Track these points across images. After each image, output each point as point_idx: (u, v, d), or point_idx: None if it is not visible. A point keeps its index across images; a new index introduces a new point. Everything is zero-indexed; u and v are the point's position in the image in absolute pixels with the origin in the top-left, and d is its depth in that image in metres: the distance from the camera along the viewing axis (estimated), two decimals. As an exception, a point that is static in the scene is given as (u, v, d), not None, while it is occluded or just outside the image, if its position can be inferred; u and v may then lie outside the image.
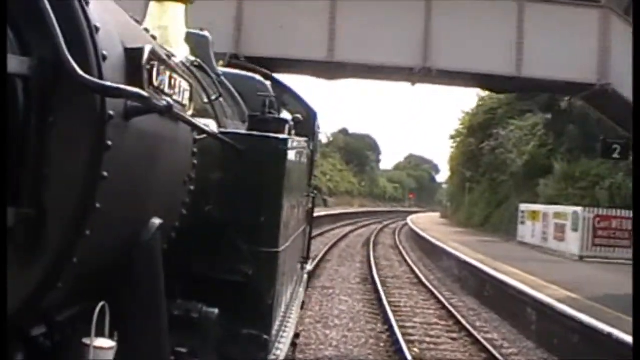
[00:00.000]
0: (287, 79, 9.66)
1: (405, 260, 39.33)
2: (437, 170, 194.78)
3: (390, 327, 19.58)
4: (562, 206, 38.42)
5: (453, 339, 19.22)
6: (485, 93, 65.50)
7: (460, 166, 74.95)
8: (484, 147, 57.94)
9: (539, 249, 38.26)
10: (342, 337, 18.57)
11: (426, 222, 72.55)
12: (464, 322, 20.87)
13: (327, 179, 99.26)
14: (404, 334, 18.57)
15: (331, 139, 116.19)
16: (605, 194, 38.51)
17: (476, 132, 64.46)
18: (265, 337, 5.97)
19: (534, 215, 41.09)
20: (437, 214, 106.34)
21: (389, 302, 23.19)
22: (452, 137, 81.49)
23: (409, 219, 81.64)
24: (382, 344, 18.27)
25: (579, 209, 35.04)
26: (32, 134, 3.12)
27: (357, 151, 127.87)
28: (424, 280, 30.43)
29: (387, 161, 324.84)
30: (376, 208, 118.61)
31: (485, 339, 18.78)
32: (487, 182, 62.39)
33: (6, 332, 3.20)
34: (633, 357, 6.40)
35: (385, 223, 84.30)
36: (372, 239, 53.97)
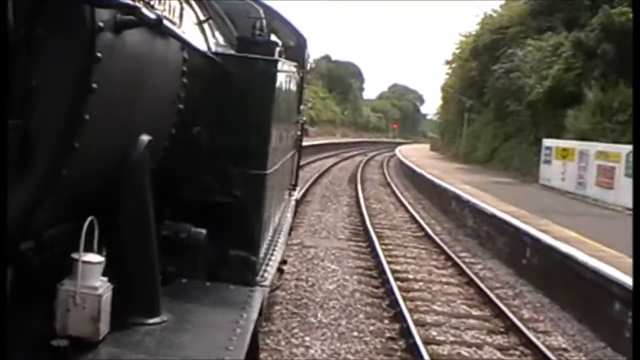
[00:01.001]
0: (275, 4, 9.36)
1: (402, 203, 30.95)
2: (422, 101, 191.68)
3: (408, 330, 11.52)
4: (610, 144, 29.15)
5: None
6: (491, 9, 59.40)
7: (457, 94, 65.44)
8: (495, 69, 47.30)
9: (572, 196, 29.53)
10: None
11: (417, 155, 63.74)
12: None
13: (308, 106, 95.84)
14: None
15: (313, 66, 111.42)
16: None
17: (480, 55, 55.39)
18: (253, 258, 6.02)
19: (564, 153, 32.14)
20: (424, 146, 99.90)
21: (393, 272, 15.59)
22: (448, 63, 74.35)
23: (397, 151, 75.24)
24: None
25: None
26: (20, 46, 3.08)
27: (340, 78, 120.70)
28: (431, 234, 22.07)
29: (371, 90, 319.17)
30: (359, 138, 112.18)
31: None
32: (493, 111, 52.87)
33: (7, 325, 3.22)
34: (633, 357, 6.46)
35: (371, 155, 77.90)
36: (359, 174, 46.12)
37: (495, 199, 25.31)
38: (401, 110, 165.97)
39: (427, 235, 22.07)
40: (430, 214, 28.77)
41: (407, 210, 28.35)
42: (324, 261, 17.08)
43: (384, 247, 19.06)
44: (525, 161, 40.97)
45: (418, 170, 41.85)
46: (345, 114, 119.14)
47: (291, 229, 12.81)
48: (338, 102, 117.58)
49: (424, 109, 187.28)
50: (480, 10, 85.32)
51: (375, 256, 17.72)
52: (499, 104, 49.34)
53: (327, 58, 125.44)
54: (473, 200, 24.57)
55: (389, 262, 16.70)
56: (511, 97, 45.15)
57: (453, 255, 18.52)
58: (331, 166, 52.82)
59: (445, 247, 19.73)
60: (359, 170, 49.25)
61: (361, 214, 25.55)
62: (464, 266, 17.23)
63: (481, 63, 54.70)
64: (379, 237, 20.42)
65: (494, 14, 57.69)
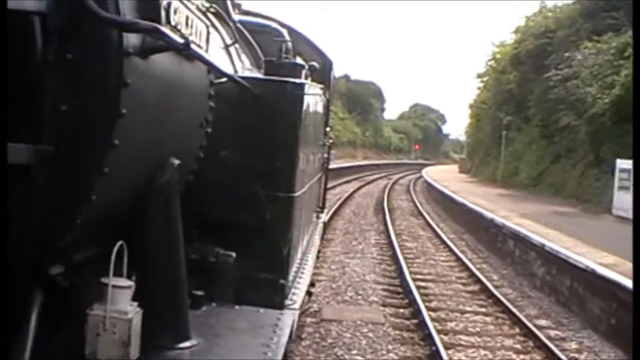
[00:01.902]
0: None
1: (441, 240, 25.40)
2: (444, 120, 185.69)
3: None
4: None
5: None
6: (534, 9, 52.14)
7: (492, 110, 58.94)
8: (548, 77, 38.79)
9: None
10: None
11: (448, 179, 56.57)
12: None
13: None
14: None
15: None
16: None
17: (520, 65, 48.80)
18: (282, 281, 5.99)
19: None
20: (450, 167, 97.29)
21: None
22: (480, 76, 68.23)
23: (423, 173, 70.48)
24: None
25: None
26: (50, 71, 3.12)
27: (361, 98, 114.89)
28: (490, 288, 16.94)
29: (392, 110, 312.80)
30: (381, 160, 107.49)
31: None
32: (538, 128, 45.40)
33: (5, 329, 3.23)
34: (633, 357, 6.36)
35: (395, 178, 72.16)
36: (385, 201, 40.64)
37: (571, 238, 19.45)
38: (423, 131, 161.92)
39: (485, 289, 16.76)
40: (480, 255, 23.24)
41: (451, 251, 22.82)
42: (351, 351, 11.48)
43: (432, 313, 13.89)
44: (584, 186, 34.50)
45: (456, 197, 34.96)
46: (366, 135, 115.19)
47: (319, 252, 12.77)
48: (358, 122, 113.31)
49: (446, 129, 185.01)
50: (518, 16, 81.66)
51: (427, 337, 12.16)
52: (545, 119, 43.28)
53: (346, 77, 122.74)
54: (550, 245, 18.02)
55: (446, 346, 11.62)
56: (565, 110, 37.33)
57: (531, 326, 13.16)
58: (353, 192, 47.18)
59: (516, 311, 14.41)
60: (385, 197, 44.20)
61: (395, 259, 20.33)
62: (551, 345, 12.03)
63: (521, 73, 48.74)
64: (425, 298, 15.21)
65: (538, 18, 50.56)
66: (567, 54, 37.76)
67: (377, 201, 42.09)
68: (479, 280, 17.84)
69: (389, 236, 25.24)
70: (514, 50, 51.49)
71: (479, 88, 70.83)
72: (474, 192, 39.73)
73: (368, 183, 61.11)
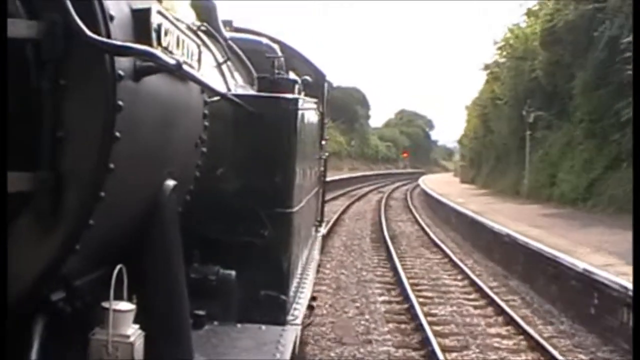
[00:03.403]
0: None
1: (494, 303, 16.62)
2: (432, 126, 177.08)
3: None
4: None
5: None
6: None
7: (508, 106, 47.96)
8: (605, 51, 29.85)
9: None
10: None
11: (455, 192, 48.01)
12: None
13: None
14: None
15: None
16: None
17: (554, 44, 37.64)
18: (283, 297, 5.99)
19: None
20: (445, 176, 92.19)
21: None
22: (487, 67, 58.05)
23: (422, 184, 63.95)
24: None
25: None
26: (45, 97, 3.13)
27: (345, 106, 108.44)
28: None
29: (377, 118, 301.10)
30: (369, 171, 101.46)
31: None
32: (585, 123, 34.29)
33: (5, 329, 3.23)
34: (633, 357, 6.34)
35: (387, 191, 65.16)
36: (384, 225, 32.78)
37: None
38: (410, 138, 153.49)
39: None
40: (567, 329, 14.80)
41: (516, 325, 14.34)
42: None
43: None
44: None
45: (494, 226, 24.88)
46: (351, 145, 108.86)
47: (319, 266, 12.77)
48: (343, 131, 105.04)
49: (434, 135, 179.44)
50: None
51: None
52: (594, 112, 32.62)
53: (328, 84, 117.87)
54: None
55: None
56: (629, 98, 25.18)
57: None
58: (342, 213, 38.96)
59: None
60: (382, 219, 36.18)
61: (409, 302, 15.70)
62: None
63: (554, 56, 38.06)
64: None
65: None
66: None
67: (373, 225, 34.58)
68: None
69: (403, 290, 17.36)
70: (546, 24, 38.86)
71: (487, 81, 59.78)
72: (502, 212, 30.73)
73: (358, 199, 53.57)
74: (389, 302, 16.43)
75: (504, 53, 53.05)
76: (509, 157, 51.43)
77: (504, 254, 22.59)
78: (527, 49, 45.24)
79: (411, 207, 47.72)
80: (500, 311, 15.61)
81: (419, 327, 13.67)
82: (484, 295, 17.53)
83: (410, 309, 15.37)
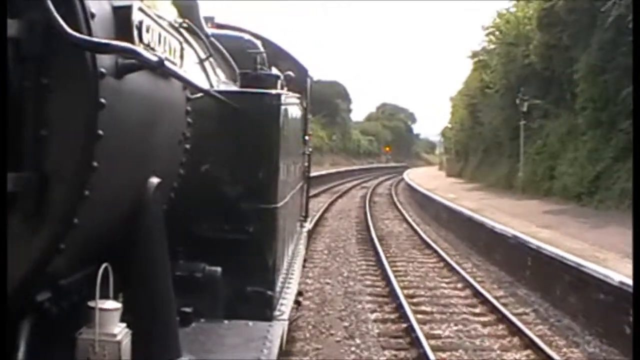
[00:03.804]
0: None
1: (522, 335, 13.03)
2: (414, 120, 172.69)
3: None
4: None
5: None
6: None
7: (500, 94, 44.92)
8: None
9: None
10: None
11: (442, 186, 45.99)
12: None
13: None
14: None
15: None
16: None
17: (550, 26, 34.88)
18: (270, 293, 5.99)
19: None
20: (430, 170, 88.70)
21: None
22: (475, 55, 55.20)
23: (407, 179, 60.99)
24: None
25: None
26: (27, 97, 3.11)
27: (326, 100, 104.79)
28: None
29: (358, 112, 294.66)
30: (352, 166, 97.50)
31: None
32: (589, 112, 31.00)
33: (5, 330, 3.21)
34: (633, 357, 6.36)
35: (371, 186, 62.44)
36: (371, 227, 29.29)
37: None
38: (393, 132, 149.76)
39: None
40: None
41: (536, 349, 12.07)
42: None
43: None
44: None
45: (496, 226, 22.06)
46: (333, 140, 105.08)
47: (305, 261, 12.77)
48: (323, 126, 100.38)
49: (416, 128, 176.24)
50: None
51: None
52: (598, 99, 29.91)
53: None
54: None
55: None
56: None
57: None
58: (325, 212, 36.26)
59: None
60: (368, 217, 33.65)
61: None
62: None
63: (552, 39, 35.02)
64: None
65: None
66: None
67: (358, 225, 31.81)
68: None
69: (399, 305, 14.93)
70: (544, 4, 35.66)
71: (475, 69, 56.40)
72: (499, 208, 28.51)
73: (341, 196, 50.48)
74: (383, 321, 14.04)
75: (494, 39, 50.01)
76: (500, 148, 48.66)
77: (507, 257, 20.04)
78: (519, 34, 42.75)
79: (397, 203, 44.57)
80: (514, 330, 13.19)
81: (423, 357, 11.45)
82: (492, 308, 14.99)
83: (409, 330, 13.03)
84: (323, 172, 65.24)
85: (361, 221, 32.87)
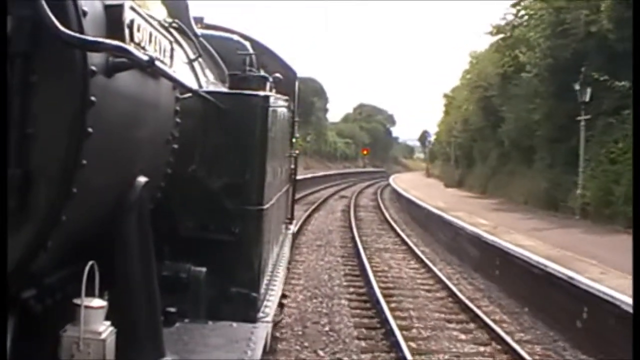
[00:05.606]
0: None
1: None
2: (393, 122, 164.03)
3: None
4: None
5: None
6: None
7: (547, 79, 30.78)
8: None
9: None
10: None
11: (451, 201, 35.03)
12: None
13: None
14: None
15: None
16: None
17: None
18: (254, 294, 5.99)
19: None
20: (416, 177, 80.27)
21: None
22: (499, 31, 41.17)
23: (396, 186, 52.74)
24: None
25: None
26: (15, 93, 3.09)
27: (300, 96, 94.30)
28: None
29: (334, 112, 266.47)
30: (328, 171, 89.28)
31: None
32: None
33: (5, 328, 3.20)
34: (633, 357, 6.30)
35: (352, 196, 51.57)
36: (363, 255, 20.99)
37: None
38: (370, 134, 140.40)
39: None
40: None
41: None
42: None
43: None
44: None
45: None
46: (307, 141, 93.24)
47: (289, 263, 12.76)
48: (298, 125, 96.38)
49: (394, 132, 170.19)
50: None
51: None
52: None
53: None
54: None
55: None
56: None
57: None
58: (297, 234, 24.46)
59: None
60: (359, 247, 23.04)
61: None
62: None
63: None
64: None
65: None
66: None
67: (346, 261, 21.14)
68: None
69: None
70: None
71: (496, 50, 42.19)
72: (594, 254, 16.68)
73: (317, 208, 39.86)
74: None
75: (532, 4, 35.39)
76: (534, 154, 35.38)
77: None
78: None
79: (390, 221, 33.91)
80: None
81: None
82: None
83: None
84: (298, 178, 45.38)
85: (351, 254, 22.46)
